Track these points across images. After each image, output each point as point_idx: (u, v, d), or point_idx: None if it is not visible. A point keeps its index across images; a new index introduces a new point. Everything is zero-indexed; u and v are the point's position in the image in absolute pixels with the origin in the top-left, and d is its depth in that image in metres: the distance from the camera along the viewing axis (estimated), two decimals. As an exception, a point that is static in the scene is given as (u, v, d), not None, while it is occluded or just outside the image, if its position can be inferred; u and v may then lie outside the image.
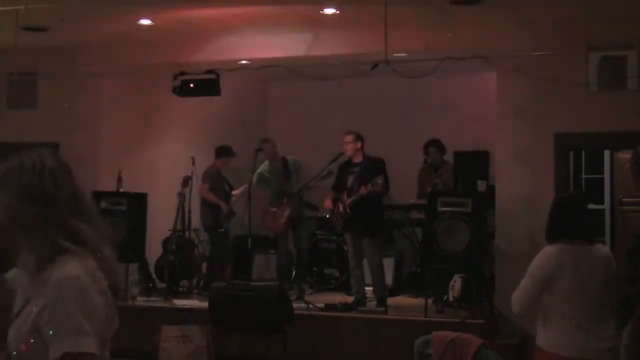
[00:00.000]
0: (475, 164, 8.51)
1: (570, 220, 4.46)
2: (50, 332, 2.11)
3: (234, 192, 9.96)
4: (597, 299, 4.36)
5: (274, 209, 9.57)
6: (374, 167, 8.40)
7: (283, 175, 9.67)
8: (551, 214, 4.57)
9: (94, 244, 2.26)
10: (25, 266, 2.26)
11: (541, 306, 4.43)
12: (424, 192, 9.62)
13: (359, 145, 8.59)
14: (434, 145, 10.04)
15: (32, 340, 2.15)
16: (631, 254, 4.24)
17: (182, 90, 8.83)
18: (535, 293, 4.39)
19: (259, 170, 9.82)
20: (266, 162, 9.86)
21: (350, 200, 8.40)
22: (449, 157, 9.84)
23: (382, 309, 8.28)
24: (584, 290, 4.34)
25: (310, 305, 8.34)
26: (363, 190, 8.24)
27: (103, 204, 8.86)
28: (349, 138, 8.59)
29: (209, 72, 8.69)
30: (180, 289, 9.51)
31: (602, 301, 4.36)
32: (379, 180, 8.10)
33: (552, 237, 4.47)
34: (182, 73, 8.80)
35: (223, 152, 9.90)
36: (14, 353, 2.20)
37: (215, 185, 9.76)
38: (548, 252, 4.41)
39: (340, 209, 8.52)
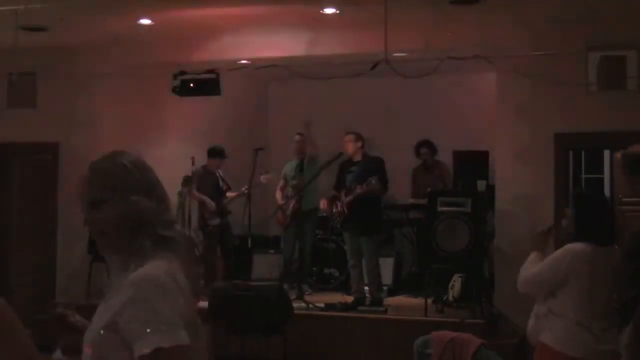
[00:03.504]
0: (474, 163, 8.52)
1: (597, 221, 4.43)
2: (136, 328, 2.10)
3: (228, 194, 9.96)
4: (606, 301, 4.35)
5: (283, 202, 9.61)
6: (372, 166, 8.42)
7: (298, 171, 9.71)
8: (580, 214, 4.50)
9: (180, 242, 2.31)
10: (114, 269, 2.30)
11: (551, 303, 4.41)
12: (418, 192, 9.64)
13: (359, 144, 8.62)
14: (425, 145, 10.08)
15: (105, 334, 2.16)
16: (630, 254, 4.24)
17: (182, 90, 8.83)
18: (549, 283, 4.37)
19: (285, 166, 9.91)
20: (293, 159, 9.94)
21: (347, 199, 8.42)
22: (448, 157, 9.86)
23: (382, 308, 8.29)
24: (597, 292, 4.33)
25: (310, 305, 8.35)
26: (358, 190, 8.27)
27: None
28: (349, 138, 8.62)
29: (209, 71, 8.69)
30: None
31: (610, 303, 4.36)
32: (373, 181, 8.12)
33: (579, 237, 4.41)
34: (182, 73, 8.79)
35: (215, 153, 9.91)
36: (87, 348, 2.21)
37: (202, 184, 9.77)
38: (575, 250, 4.37)
39: (339, 207, 8.53)
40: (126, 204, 2.25)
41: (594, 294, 4.32)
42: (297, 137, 9.87)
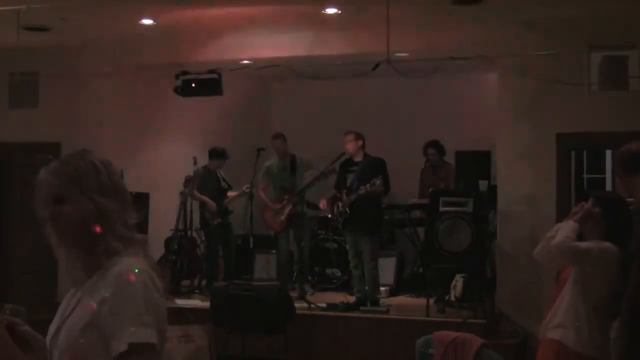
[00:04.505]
0: (476, 163, 8.51)
1: (622, 222, 4.39)
2: (114, 326, 2.11)
3: (230, 193, 9.95)
4: (614, 301, 4.33)
5: (276, 206, 9.54)
6: (374, 166, 8.42)
7: (288, 172, 9.64)
8: (613, 215, 4.42)
9: (143, 242, 2.34)
10: (73, 270, 2.30)
11: (571, 304, 4.34)
12: (424, 192, 9.64)
13: (360, 144, 8.61)
14: (433, 146, 10.08)
15: (85, 334, 2.15)
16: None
17: (184, 90, 8.83)
18: (587, 267, 4.26)
19: (267, 164, 9.80)
20: (276, 158, 9.83)
21: (349, 199, 8.42)
22: (450, 157, 9.84)
23: (384, 309, 8.29)
24: (612, 293, 4.31)
25: (312, 305, 8.35)
26: (362, 191, 8.27)
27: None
28: (350, 137, 8.62)
29: (211, 71, 8.69)
30: (182, 289, 9.52)
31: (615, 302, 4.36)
32: (378, 181, 8.12)
33: (609, 238, 4.36)
34: (184, 73, 8.79)
35: (216, 154, 9.90)
36: (65, 354, 2.19)
37: (203, 184, 9.76)
38: (615, 250, 4.31)
39: (340, 208, 8.53)
40: (91, 203, 2.25)
41: (611, 296, 4.31)
42: (280, 140, 9.75)
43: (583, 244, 4.35)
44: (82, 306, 2.21)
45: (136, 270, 2.19)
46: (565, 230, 4.37)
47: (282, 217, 9.45)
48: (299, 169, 9.60)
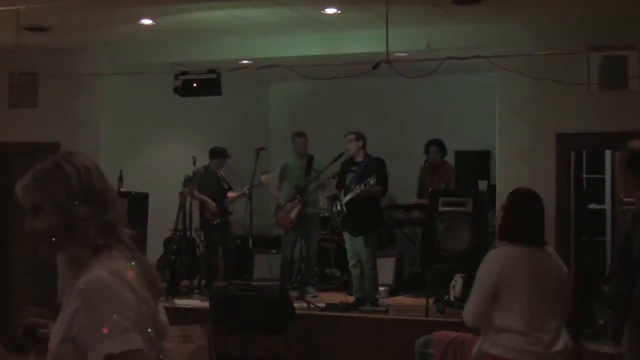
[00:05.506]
0: (476, 163, 8.52)
1: (525, 220, 4.29)
2: (87, 338, 2.07)
3: (230, 194, 9.94)
4: (547, 305, 4.19)
5: (287, 204, 9.47)
6: (373, 166, 8.41)
7: (304, 172, 9.56)
8: (507, 212, 4.38)
9: (130, 243, 2.27)
10: (66, 273, 2.26)
11: (493, 318, 4.19)
12: (424, 192, 9.64)
13: (360, 144, 8.61)
14: (436, 144, 10.08)
15: (62, 345, 2.13)
16: (621, 251, 4.21)
17: (183, 90, 8.82)
18: (486, 304, 4.17)
19: (284, 163, 9.73)
20: (294, 157, 9.74)
21: (346, 198, 8.41)
22: (450, 157, 9.85)
23: (383, 309, 8.29)
24: (535, 296, 4.16)
25: (312, 305, 8.35)
26: (357, 190, 8.26)
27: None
28: (351, 137, 8.61)
29: (210, 71, 8.68)
30: (182, 289, 9.52)
31: (552, 306, 4.21)
32: (371, 181, 8.11)
33: (504, 236, 4.32)
34: (184, 73, 8.78)
35: (216, 154, 9.90)
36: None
37: (203, 184, 9.74)
38: (494, 258, 4.24)
39: (338, 207, 8.53)
40: (61, 212, 2.20)
41: (534, 298, 4.15)
42: (302, 138, 9.70)
43: (469, 303, 4.28)
44: (61, 316, 2.19)
45: (101, 277, 2.12)
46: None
47: (292, 216, 9.37)
48: (313, 170, 9.50)
